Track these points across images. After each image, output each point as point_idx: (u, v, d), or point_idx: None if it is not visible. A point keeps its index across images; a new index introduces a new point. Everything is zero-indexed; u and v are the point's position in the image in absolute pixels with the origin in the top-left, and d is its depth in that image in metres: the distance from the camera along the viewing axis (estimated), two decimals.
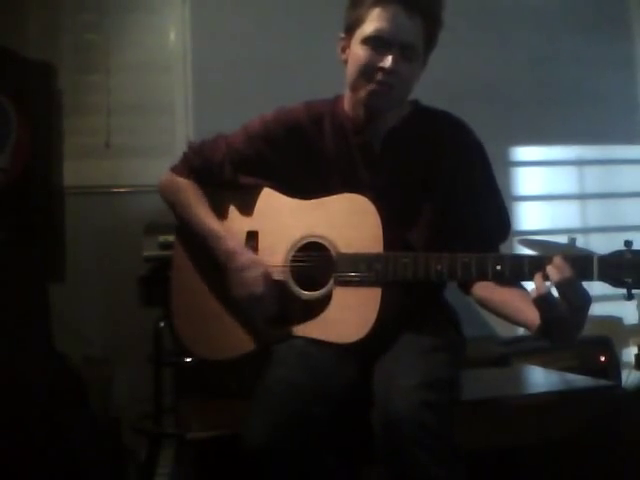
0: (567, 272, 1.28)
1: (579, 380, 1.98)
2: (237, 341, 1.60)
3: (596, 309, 1.39)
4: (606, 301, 1.94)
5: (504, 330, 2.75)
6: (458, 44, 2.62)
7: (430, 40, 1.56)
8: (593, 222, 3.30)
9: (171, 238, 1.81)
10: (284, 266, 1.60)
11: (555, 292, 1.30)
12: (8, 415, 2.05)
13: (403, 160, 1.62)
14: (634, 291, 1.28)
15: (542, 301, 1.30)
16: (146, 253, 2.30)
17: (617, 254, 1.29)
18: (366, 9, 1.52)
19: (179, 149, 1.83)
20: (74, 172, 2.71)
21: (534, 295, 1.30)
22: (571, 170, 3.33)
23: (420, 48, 1.54)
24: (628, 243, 1.29)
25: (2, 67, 2.38)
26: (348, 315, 1.50)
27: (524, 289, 1.45)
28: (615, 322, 3.11)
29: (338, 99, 1.67)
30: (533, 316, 1.35)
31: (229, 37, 2.94)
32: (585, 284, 1.29)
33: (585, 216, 3.32)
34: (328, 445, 1.36)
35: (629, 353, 3.08)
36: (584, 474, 1.67)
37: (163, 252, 2.18)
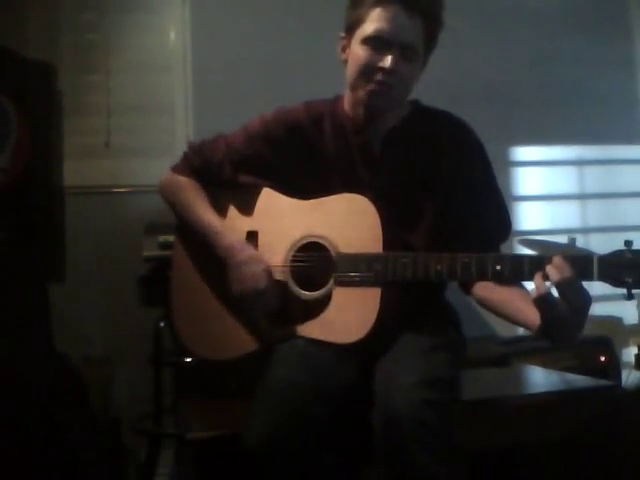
0: (567, 272, 1.28)
1: (579, 380, 1.98)
2: (239, 341, 1.59)
3: (596, 309, 1.39)
4: (606, 301, 1.94)
5: (504, 330, 2.75)
6: (458, 44, 2.61)
7: (430, 40, 1.56)
8: (593, 222, 3.30)
9: (171, 238, 1.81)
10: (284, 266, 1.60)
11: (555, 292, 1.30)
12: (8, 415, 2.05)
13: (403, 160, 1.62)
14: (634, 291, 1.28)
15: (542, 301, 1.30)
16: (146, 253, 2.30)
17: (617, 254, 1.29)
18: (366, 9, 1.52)
19: (179, 149, 1.84)
20: (74, 172, 2.71)
21: (534, 295, 1.30)
22: (571, 170, 3.33)
23: (420, 48, 1.54)
24: (628, 243, 1.29)
25: (2, 67, 2.38)
26: (348, 315, 1.50)
27: (524, 289, 1.45)
28: (615, 322, 3.10)
29: (338, 99, 1.67)
30: (533, 316, 1.35)
31: (229, 37, 2.94)
32: (585, 284, 1.29)
33: (585, 216, 3.32)
34: (328, 445, 1.36)
35: (629, 353, 3.08)
36: (584, 474, 1.67)
37: (163, 252, 2.18)
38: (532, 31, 3.22)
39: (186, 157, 1.73)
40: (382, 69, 1.51)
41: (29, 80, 2.45)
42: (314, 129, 1.65)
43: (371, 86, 1.53)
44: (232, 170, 1.68)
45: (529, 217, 3.23)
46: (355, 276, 1.50)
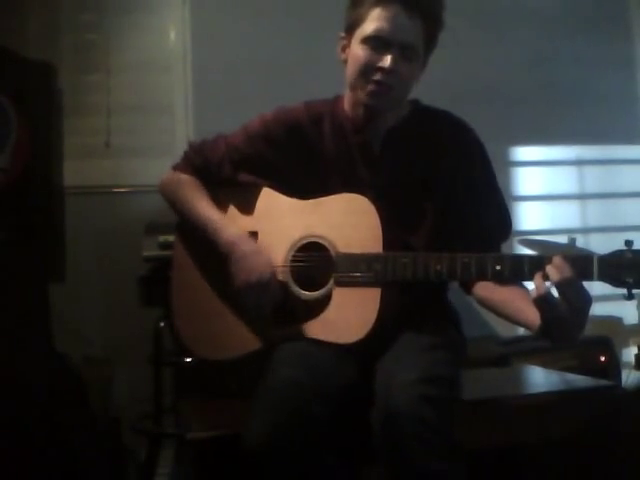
0: (567, 272, 1.28)
1: (579, 380, 1.98)
2: (240, 340, 1.59)
3: (596, 309, 1.39)
4: (606, 301, 1.94)
5: (504, 330, 2.76)
6: (458, 44, 2.61)
7: (430, 41, 1.56)
8: (593, 222, 3.30)
9: (171, 238, 1.81)
10: (284, 266, 1.60)
11: (555, 292, 1.30)
12: (8, 415, 2.05)
13: (403, 160, 1.62)
14: (634, 291, 1.28)
15: (542, 301, 1.30)
16: (146, 253, 2.30)
17: (617, 254, 1.29)
18: (366, 9, 1.52)
19: (179, 149, 1.84)
20: (74, 172, 2.71)
21: (534, 295, 1.30)
22: (571, 170, 3.33)
23: (420, 48, 1.54)
24: (629, 243, 1.29)
25: (2, 67, 2.37)
26: (348, 315, 1.50)
27: (525, 289, 1.45)
28: (615, 322, 3.10)
29: (338, 99, 1.67)
30: (533, 316, 1.35)
31: (229, 37, 2.94)
32: (585, 284, 1.29)
33: (585, 216, 3.32)
34: (328, 445, 1.36)
35: (629, 353, 3.08)
36: (584, 474, 1.67)
37: (163, 252, 2.18)
38: (532, 31, 3.22)
39: (187, 156, 1.74)
40: (381, 69, 1.51)
41: (29, 80, 2.44)
42: (314, 129, 1.65)
43: (371, 86, 1.53)
44: (232, 169, 1.68)
45: (529, 217, 3.23)
46: (355, 276, 1.50)
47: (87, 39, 2.90)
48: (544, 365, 2.34)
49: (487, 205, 1.62)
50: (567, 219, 3.29)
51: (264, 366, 1.46)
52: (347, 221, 1.55)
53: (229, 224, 1.63)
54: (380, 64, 1.51)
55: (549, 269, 1.30)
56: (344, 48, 1.60)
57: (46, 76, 2.52)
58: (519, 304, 1.42)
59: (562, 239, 2.86)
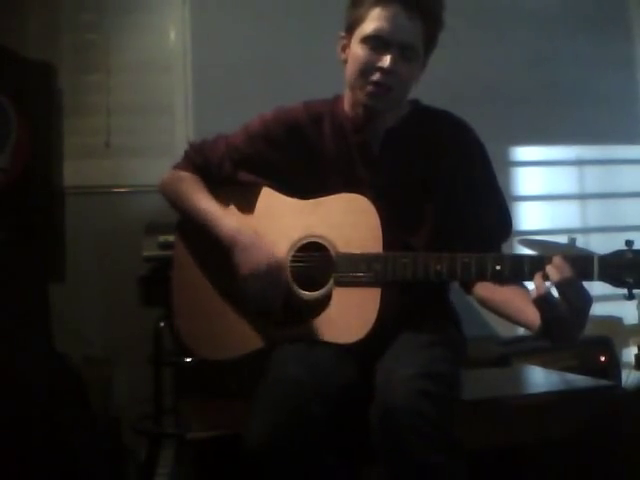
0: (567, 272, 1.28)
1: (579, 380, 1.98)
2: (241, 339, 1.59)
3: (596, 309, 1.39)
4: (606, 301, 1.94)
5: (504, 330, 2.76)
6: (458, 44, 2.61)
7: (430, 41, 1.56)
8: (593, 222, 3.30)
9: (171, 238, 1.81)
10: None
11: (555, 292, 1.30)
12: (8, 415, 2.05)
13: (402, 160, 1.62)
14: (635, 291, 1.28)
15: (542, 301, 1.30)
16: (146, 253, 2.30)
17: (618, 254, 1.29)
18: (366, 8, 1.52)
19: (179, 149, 1.84)
20: (74, 172, 2.71)
21: (534, 295, 1.30)
22: (571, 170, 3.33)
23: (420, 49, 1.54)
24: (629, 243, 1.29)
25: (2, 67, 2.37)
26: (348, 315, 1.50)
27: (525, 289, 1.45)
28: (615, 322, 3.10)
29: (337, 99, 1.67)
30: (534, 316, 1.35)
31: (229, 37, 2.93)
32: (585, 284, 1.29)
33: (585, 216, 3.32)
34: (328, 445, 1.36)
35: (629, 353, 3.08)
36: (584, 474, 1.67)
37: (163, 252, 2.18)
38: (532, 31, 3.22)
39: (187, 156, 1.74)
40: (381, 69, 1.51)
41: (29, 80, 2.44)
42: (314, 129, 1.65)
43: (370, 87, 1.53)
44: (232, 168, 1.68)
45: (529, 217, 3.22)
46: (355, 276, 1.50)
47: (87, 39, 2.89)
48: (544, 365, 2.34)
49: (487, 205, 1.62)
50: (567, 219, 3.29)
51: (264, 366, 1.46)
52: (347, 221, 1.55)
53: (229, 216, 1.63)
54: (379, 64, 1.51)
55: (549, 269, 1.29)
56: (344, 48, 1.60)
57: (46, 76, 2.52)
58: (519, 304, 1.42)
59: (562, 239, 2.86)
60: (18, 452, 2.05)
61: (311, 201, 1.61)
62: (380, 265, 1.48)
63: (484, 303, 1.54)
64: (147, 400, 2.40)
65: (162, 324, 2.32)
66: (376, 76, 1.52)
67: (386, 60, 1.50)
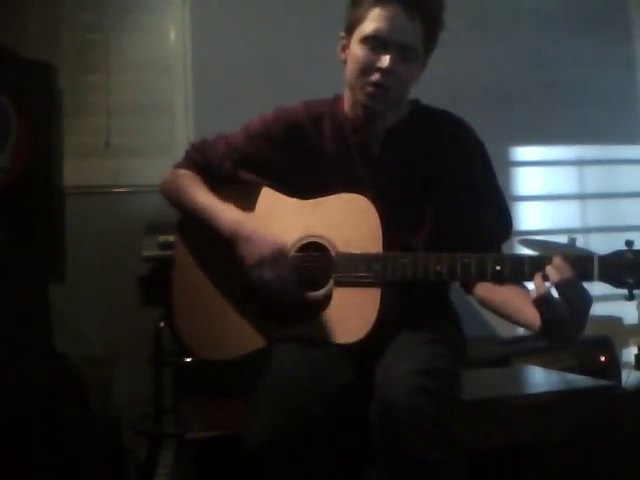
0: (567, 272, 1.27)
1: (579, 380, 1.98)
2: (242, 339, 1.59)
3: (596, 309, 1.39)
4: (606, 301, 1.93)
5: (504, 330, 2.75)
6: (458, 44, 2.61)
7: (430, 41, 1.56)
8: (593, 222, 3.30)
9: (171, 238, 1.81)
10: None
11: (555, 292, 1.30)
12: (8, 415, 2.05)
13: (402, 159, 1.62)
14: (635, 291, 1.28)
15: (542, 302, 1.29)
16: (146, 253, 2.30)
17: (618, 254, 1.29)
18: (366, 9, 1.52)
19: (179, 149, 1.84)
20: (74, 172, 2.71)
21: (534, 296, 1.30)
22: (571, 170, 3.33)
23: (419, 49, 1.54)
24: (629, 243, 1.29)
25: (2, 67, 2.37)
26: (348, 315, 1.50)
27: (525, 289, 1.45)
28: (615, 322, 3.10)
29: (337, 99, 1.67)
30: (534, 316, 1.35)
31: (229, 37, 2.93)
32: (585, 284, 1.29)
33: (585, 216, 3.32)
34: (328, 445, 1.36)
35: (629, 353, 3.08)
36: (584, 474, 1.67)
37: (163, 252, 2.18)
38: (532, 31, 3.22)
39: (188, 155, 1.74)
40: (380, 69, 1.51)
41: (29, 80, 2.44)
42: (313, 129, 1.65)
43: (369, 88, 1.53)
44: (232, 167, 1.68)
45: (529, 217, 3.23)
46: (355, 276, 1.50)
47: (87, 39, 2.90)
48: (544, 365, 2.34)
49: (487, 205, 1.62)
50: (567, 219, 3.29)
51: (264, 366, 1.46)
52: (347, 221, 1.55)
53: (228, 208, 1.62)
54: (378, 65, 1.51)
55: (549, 269, 1.29)
56: (344, 48, 1.60)
57: (46, 76, 2.52)
58: (519, 304, 1.42)
59: (562, 239, 2.86)
60: (18, 452, 2.05)
61: (311, 201, 1.61)
62: (380, 265, 1.48)
63: (484, 303, 1.54)
64: (147, 400, 2.40)
65: (162, 324, 2.32)
66: (375, 76, 1.52)
67: (385, 60, 1.50)
